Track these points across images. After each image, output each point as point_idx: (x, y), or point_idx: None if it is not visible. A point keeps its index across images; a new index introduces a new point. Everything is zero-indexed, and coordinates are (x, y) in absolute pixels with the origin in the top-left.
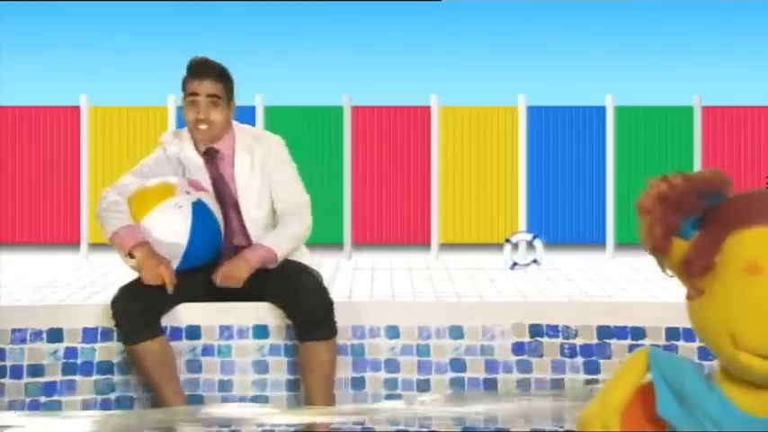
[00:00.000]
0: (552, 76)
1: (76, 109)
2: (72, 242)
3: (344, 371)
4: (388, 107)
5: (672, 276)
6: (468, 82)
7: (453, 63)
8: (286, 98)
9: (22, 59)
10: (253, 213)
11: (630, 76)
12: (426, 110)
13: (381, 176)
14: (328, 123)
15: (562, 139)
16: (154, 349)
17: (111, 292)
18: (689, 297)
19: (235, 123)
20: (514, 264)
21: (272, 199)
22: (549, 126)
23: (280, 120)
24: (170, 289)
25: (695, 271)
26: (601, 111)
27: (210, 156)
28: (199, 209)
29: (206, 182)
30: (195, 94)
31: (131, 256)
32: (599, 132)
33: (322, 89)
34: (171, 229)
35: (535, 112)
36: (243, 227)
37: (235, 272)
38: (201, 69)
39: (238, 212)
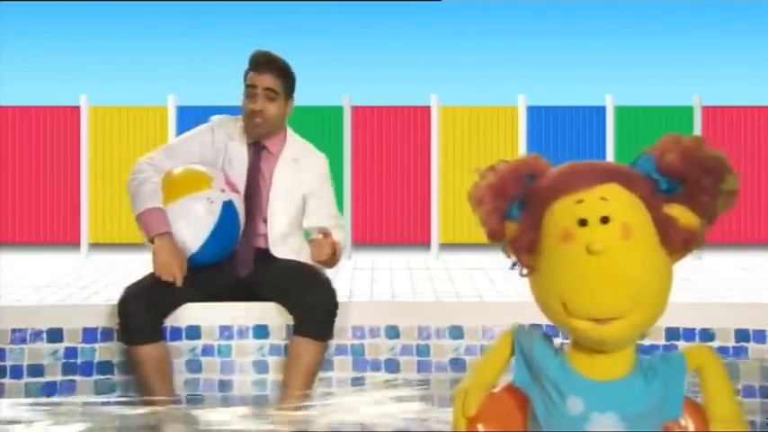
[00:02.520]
0: (552, 76)
1: (76, 109)
2: (72, 242)
3: (344, 371)
4: (388, 107)
5: (514, 263)
6: (468, 82)
7: (453, 63)
8: None
9: (22, 59)
10: (278, 217)
11: (630, 76)
12: (426, 110)
13: (381, 176)
14: (328, 123)
15: (562, 139)
16: (154, 354)
17: (111, 292)
18: (522, 275)
19: (289, 130)
20: (514, 264)
21: (311, 212)
22: (549, 126)
23: None
24: (178, 283)
25: (521, 248)
26: (601, 111)
27: (257, 150)
28: (228, 210)
29: (243, 174)
30: (254, 86)
31: (151, 241)
32: (599, 132)
33: (322, 89)
34: (195, 221)
35: (535, 112)
36: (264, 224)
37: (325, 248)
38: (263, 63)
39: (264, 210)
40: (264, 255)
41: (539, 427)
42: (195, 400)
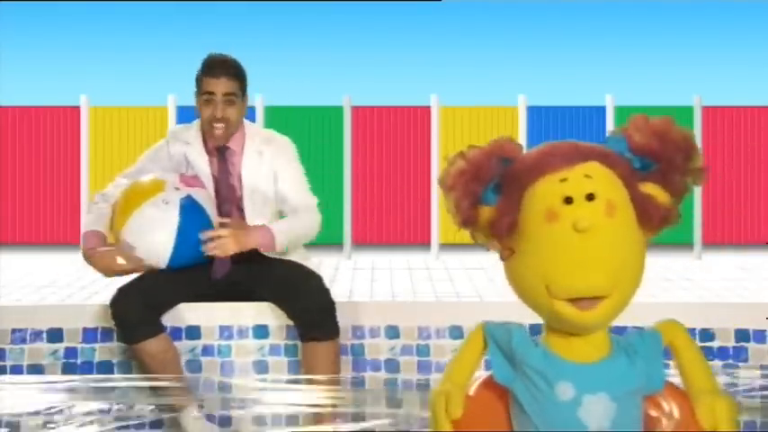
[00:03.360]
0: (552, 76)
1: (76, 109)
2: (72, 242)
3: (344, 371)
4: (388, 107)
5: (488, 249)
6: (468, 82)
7: (453, 63)
8: (286, 98)
9: (22, 59)
10: (258, 211)
11: (630, 76)
12: (426, 110)
13: (381, 176)
14: (328, 123)
15: (562, 138)
16: (154, 348)
17: (111, 292)
18: (501, 258)
19: (246, 122)
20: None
21: (279, 199)
22: (549, 126)
23: (280, 120)
24: (139, 270)
25: (502, 230)
26: (601, 111)
27: (220, 153)
28: (187, 206)
29: (209, 179)
30: (211, 93)
31: (91, 260)
32: (599, 132)
33: (322, 89)
34: (156, 226)
35: (535, 112)
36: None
37: (225, 245)
38: (219, 67)
39: (242, 212)
40: (252, 253)
41: (526, 418)
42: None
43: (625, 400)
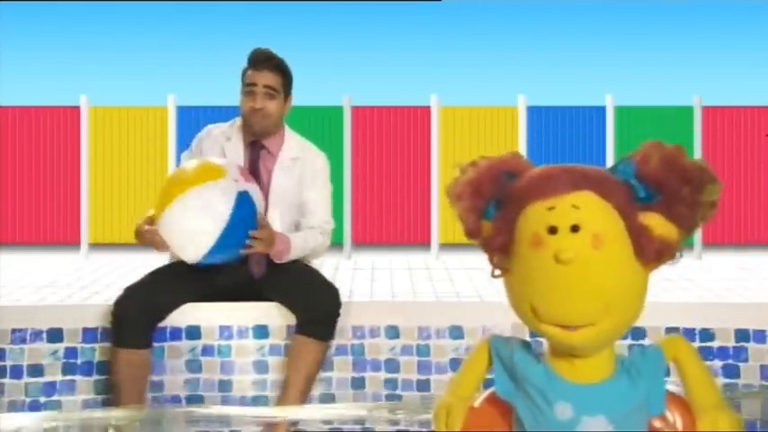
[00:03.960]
0: (552, 76)
1: (76, 109)
2: (72, 242)
3: (344, 371)
4: (388, 107)
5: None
6: (468, 82)
7: (453, 63)
8: None
9: (22, 59)
10: (277, 214)
11: (630, 76)
12: (426, 110)
13: (381, 176)
14: (328, 123)
15: (562, 139)
16: (135, 360)
17: (111, 292)
18: (494, 276)
19: (287, 128)
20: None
21: (301, 211)
22: (549, 126)
23: None
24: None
25: (494, 249)
26: (601, 111)
27: (255, 150)
28: (243, 201)
29: None
30: (253, 84)
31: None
32: (599, 132)
33: (322, 89)
34: (208, 212)
35: (535, 112)
36: None
37: (262, 244)
38: (262, 60)
39: (265, 210)
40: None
41: None
42: (195, 400)
43: (624, 421)
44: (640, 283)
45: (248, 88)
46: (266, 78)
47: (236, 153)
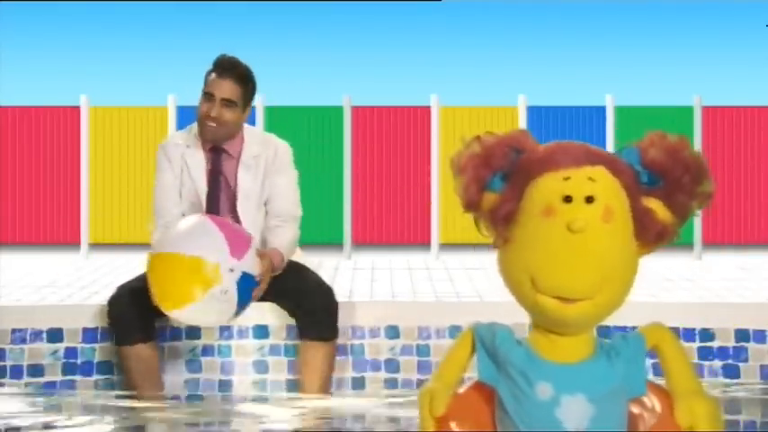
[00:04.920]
0: (552, 76)
1: (76, 109)
2: (72, 242)
3: (344, 371)
4: (388, 107)
5: (487, 234)
6: (468, 82)
7: (453, 63)
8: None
9: (22, 59)
10: (251, 216)
11: (630, 76)
12: (426, 110)
13: (381, 176)
14: (328, 123)
15: (562, 138)
16: (143, 354)
17: (111, 292)
18: (495, 245)
19: (246, 127)
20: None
21: (268, 200)
22: (549, 126)
23: (280, 120)
24: None
25: (500, 218)
26: (601, 111)
27: (216, 154)
28: (242, 283)
29: (203, 180)
30: (211, 93)
31: None
32: (599, 132)
33: (322, 89)
34: (217, 316)
35: (535, 112)
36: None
37: (264, 287)
38: (226, 68)
39: (235, 212)
40: None
41: (508, 419)
42: (195, 400)
43: (604, 401)
44: (635, 263)
45: (207, 95)
46: (226, 89)
47: (198, 160)
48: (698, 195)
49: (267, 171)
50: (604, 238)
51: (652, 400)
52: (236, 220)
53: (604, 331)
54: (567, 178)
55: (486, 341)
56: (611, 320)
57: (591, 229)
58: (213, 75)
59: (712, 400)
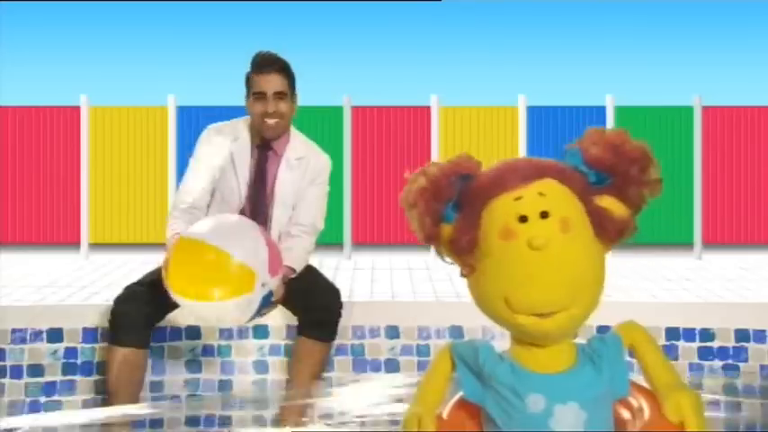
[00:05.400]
0: (552, 76)
1: (76, 109)
2: (72, 242)
3: (344, 371)
4: (388, 107)
5: (451, 263)
6: (468, 82)
7: (453, 63)
8: None
9: (22, 59)
10: (280, 215)
11: (630, 76)
12: (426, 110)
13: (381, 176)
14: (328, 123)
15: (562, 139)
16: (131, 360)
17: (111, 292)
18: (463, 275)
19: (293, 129)
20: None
21: (295, 206)
22: (548, 126)
23: None
24: None
25: (462, 248)
26: (601, 111)
27: (262, 152)
28: (264, 300)
29: (247, 176)
30: (262, 91)
31: None
32: None
33: (322, 89)
34: (228, 319)
35: (535, 112)
36: (266, 223)
37: (279, 301)
38: (269, 64)
39: (268, 209)
40: None
41: None
42: (195, 400)
43: (594, 406)
44: (602, 264)
45: (259, 94)
46: (275, 84)
47: (244, 154)
48: (648, 183)
49: (305, 177)
50: (567, 249)
51: (639, 401)
52: (266, 220)
53: (605, 330)
54: (518, 198)
55: (467, 359)
56: (612, 320)
57: (552, 243)
58: (258, 74)
59: (694, 392)
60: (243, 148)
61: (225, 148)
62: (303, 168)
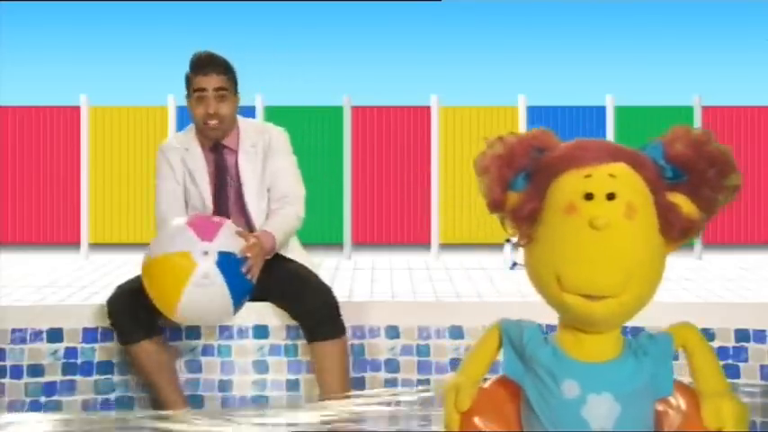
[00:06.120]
0: (552, 76)
1: (76, 109)
2: (72, 242)
3: None
4: (388, 107)
5: (512, 234)
6: (468, 82)
7: (453, 63)
8: (286, 98)
9: (22, 59)
10: (256, 205)
11: (630, 76)
12: (426, 110)
13: (381, 176)
14: (328, 123)
15: (562, 138)
16: (150, 349)
17: (111, 292)
18: (521, 244)
19: (239, 118)
20: (514, 264)
21: (270, 186)
22: (549, 126)
23: (280, 120)
24: None
25: (523, 216)
26: (601, 111)
27: (217, 152)
28: (223, 263)
29: (207, 179)
30: (203, 89)
31: None
32: (599, 132)
33: (322, 89)
34: (211, 304)
35: (535, 112)
36: (247, 218)
37: (258, 264)
38: (207, 63)
39: (242, 204)
40: None
41: (534, 416)
42: (195, 400)
43: (630, 400)
44: (661, 259)
45: (198, 93)
46: (215, 81)
47: (198, 161)
48: (724, 189)
49: (266, 157)
50: (627, 235)
51: (678, 400)
52: (245, 213)
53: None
54: (588, 176)
55: (513, 338)
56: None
57: (613, 226)
58: (197, 75)
59: (740, 402)
60: (196, 156)
61: (179, 159)
62: (260, 151)
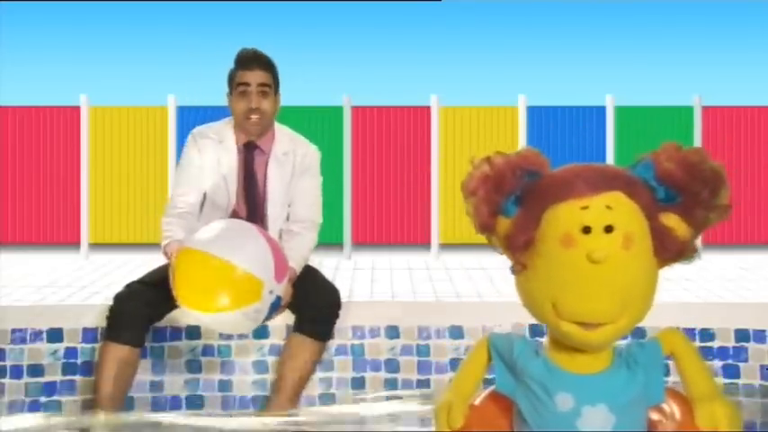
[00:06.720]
0: (552, 76)
1: (76, 109)
2: (72, 242)
3: (344, 371)
4: (388, 107)
5: (501, 254)
6: (468, 82)
7: (453, 63)
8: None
9: (22, 59)
10: (276, 212)
11: (630, 76)
12: (426, 110)
13: (381, 176)
14: (328, 123)
15: (562, 139)
16: (123, 357)
17: (111, 292)
18: (514, 272)
19: (276, 124)
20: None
21: (291, 202)
22: (549, 126)
23: (279, 120)
24: None
25: (517, 246)
26: (601, 111)
27: (249, 151)
28: (273, 306)
29: (236, 177)
30: (246, 84)
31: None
32: (599, 132)
33: (322, 89)
34: (237, 328)
35: (535, 112)
36: (263, 223)
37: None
38: (252, 59)
39: (263, 209)
40: None
41: (528, 429)
42: (195, 400)
43: (625, 411)
44: (655, 280)
45: (241, 88)
46: (259, 77)
47: (231, 155)
48: (716, 208)
49: (294, 171)
50: (625, 266)
51: (671, 406)
52: (263, 217)
53: None
54: (584, 207)
55: (503, 353)
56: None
57: (612, 258)
58: (241, 69)
59: (731, 404)
60: (229, 150)
61: (211, 150)
62: (291, 162)
